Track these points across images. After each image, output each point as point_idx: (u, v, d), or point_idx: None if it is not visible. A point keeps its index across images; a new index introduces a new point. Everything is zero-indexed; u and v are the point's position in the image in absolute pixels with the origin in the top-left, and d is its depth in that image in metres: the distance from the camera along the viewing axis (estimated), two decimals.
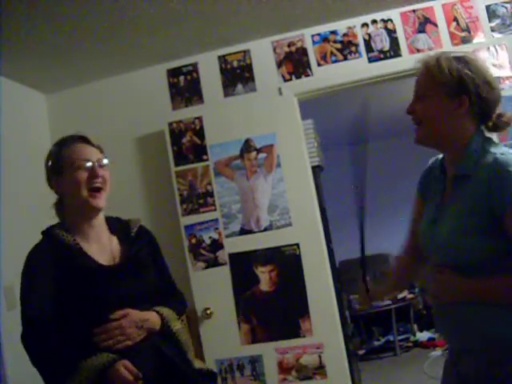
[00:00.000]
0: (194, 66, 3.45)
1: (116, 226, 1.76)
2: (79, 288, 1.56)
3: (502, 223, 1.27)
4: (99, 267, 1.62)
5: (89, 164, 1.65)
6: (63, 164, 1.66)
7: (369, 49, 3.29)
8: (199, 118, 3.29)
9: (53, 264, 1.57)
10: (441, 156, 1.55)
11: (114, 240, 1.72)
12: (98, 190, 1.65)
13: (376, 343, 5.97)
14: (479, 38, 3.21)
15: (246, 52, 3.40)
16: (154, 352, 1.58)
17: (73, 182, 1.63)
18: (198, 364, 1.77)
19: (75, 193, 1.64)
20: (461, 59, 1.42)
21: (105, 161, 1.70)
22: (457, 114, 1.39)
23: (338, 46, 3.32)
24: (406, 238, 1.68)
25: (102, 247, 1.67)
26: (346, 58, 3.31)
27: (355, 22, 3.32)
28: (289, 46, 3.36)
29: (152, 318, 1.62)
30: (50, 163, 1.71)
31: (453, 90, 1.38)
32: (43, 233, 1.70)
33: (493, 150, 1.37)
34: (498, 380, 1.28)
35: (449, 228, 1.37)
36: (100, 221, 1.72)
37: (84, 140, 1.72)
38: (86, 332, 1.53)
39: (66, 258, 1.59)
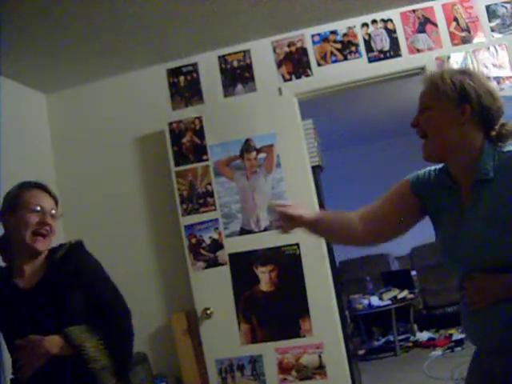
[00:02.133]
0: (194, 66, 3.45)
1: (52, 251, 1.82)
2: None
3: None
4: (13, 291, 1.71)
5: (41, 210, 1.76)
6: (19, 203, 1.76)
7: (369, 49, 3.29)
8: (199, 118, 3.29)
9: None
10: (438, 168, 1.56)
11: (43, 266, 1.79)
12: (43, 235, 1.76)
13: (376, 343, 5.97)
14: (479, 38, 3.21)
15: (245, 52, 3.40)
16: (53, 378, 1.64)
17: (22, 222, 1.73)
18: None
19: (21, 233, 1.73)
20: (463, 71, 1.46)
21: (55, 212, 1.81)
22: (460, 123, 1.41)
23: (338, 46, 3.32)
24: (366, 208, 1.66)
25: (31, 275, 1.75)
26: (346, 58, 3.31)
27: (355, 22, 3.32)
28: (289, 46, 3.36)
29: (48, 341, 1.64)
30: (5, 201, 1.80)
31: (455, 100, 1.41)
32: None
33: (507, 149, 1.40)
34: None
35: (481, 232, 1.37)
36: (39, 259, 1.80)
37: (43, 188, 1.83)
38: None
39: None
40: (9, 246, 1.78)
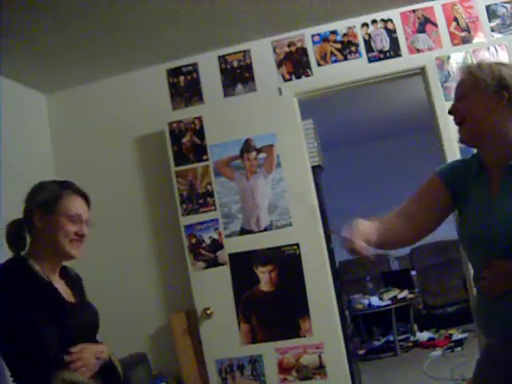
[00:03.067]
0: (194, 66, 3.45)
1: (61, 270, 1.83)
2: (55, 320, 1.61)
3: None
4: (67, 303, 1.71)
5: (79, 220, 1.74)
6: (58, 208, 1.71)
7: (369, 49, 3.29)
8: (199, 118, 3.29)
9: (34, 296, 1.62)
10: (464, 159, 1.61)
11: (62, 281, 1.79)
12: (80, 241, 1.75)
13: (376, 343, 5.97)
14: (479, 38, 3.21)
15: (245, 52, 3.40)
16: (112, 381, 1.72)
17: (61, 229, 1.70)
18: None
19: (58, 238, 1.70)
20: (499, 62, 1.54)
21: (89, 221, 1.81)
22: (497, 110, 1.45)
23: (338, 46, 3.32)
24: (401, 205, 1.65)
25: (60, 286, 1.75)
26: (346, 58, 3.31)
27: (355, 22, 3.32)
28: (289, 46, 3.36)
29: (105, 349, 1.71)
30: (42, 197, 1.74)
31: (493, 87, 1.45)
32: (14, 260, 1.71)
33: None
34: None
35: (508, 218, 1.38)
36: (60, 265, 1.81)
37: (83, 196, 1.81)
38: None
39: (41, 292, 1.64)
40: (34, 245, 1.73)
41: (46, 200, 1.72)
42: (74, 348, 1.60)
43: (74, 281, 1.84)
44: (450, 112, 1.55)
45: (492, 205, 1.45)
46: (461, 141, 1.54)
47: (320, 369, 3.03)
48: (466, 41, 3.22)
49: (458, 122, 1.52)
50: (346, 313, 4.78)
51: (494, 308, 1.42)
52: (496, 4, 3.22)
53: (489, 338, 1.49)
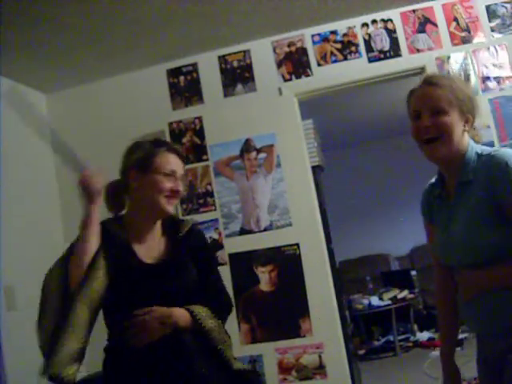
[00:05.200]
0: (194, 66, 3.45)
1: (169, 226, 1.80)
2: (119, 283, 1.61)
3: (507, 214, 1.38)
4: (139, 265, 1.67)
5: (173, 175, 1.73)
6: (154, 166, 1.71)
7: (369, 49, 3.29)
8: (199, 118, 3.29)
9: (103, 257, 1.62)
10: (430, 183, 1.66)
11: (163, 240, 1.78)
12: (175, 197, 1.74)
13: (376, 343, 5.97)
14: (479, 38, 3.21)
15: (246, 52, 3.40)
16: (178, 349, 1.60)
17: (155, 186, 1.70)
18: (237, 365, 1.74)
19: (153, 195, 1.70)
20: (460, 80, 1.58)
21: (184, 175, 1.81)
22: (465, 131, 1.51)
23: (338, 46, 3.32)
24: (435, 269, 1.73)
25: (150, 247, 1.72)
26: (345, 58, 3.31)
27: (355, 22, 3.32)
28: (289, 46, 3.36)
29: (177, 313, 1.63)
30: (138, 156, 1.74)
31: (465, 110, 1.50)
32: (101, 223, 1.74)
33: (486, 152, 1.48)
34: None
35: (461, 229, 1.46)
36: (158, 223, 1.79)
37: (176, 152, 1.78)
38: (117, 326, 1.61)
39: (114, 254, 1.64)
40: (121, 197, 1.74)
41: (141, 159, 1.72)
42: (138, 311, 1.57)
43: (186, 239, 1.78)
44: (426, 126, 1.49)
45: (448, 220, 1.53)
46: (433, 158, 1.52)
47: (320, 369, 3.03)
48: (465, 41, 3.22)
49: (431, 139, 1.49)
50: (346, 313, 4.77)
51: (469, 309, 1.51)
52: (496, 4, 3.22)
53: (471, 331, 1.62)
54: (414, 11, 3.27)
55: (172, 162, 1.74)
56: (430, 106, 1.49)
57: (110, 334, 1.67)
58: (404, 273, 6.52)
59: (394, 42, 3.27)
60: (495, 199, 1.38)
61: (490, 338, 1.48)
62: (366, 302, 5.81)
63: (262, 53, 3.38)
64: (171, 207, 1.73)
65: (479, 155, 1.48)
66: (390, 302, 5.73)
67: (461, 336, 5.37)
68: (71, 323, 1.50)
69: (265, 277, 3.12)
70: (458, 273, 1.52)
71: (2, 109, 3.01)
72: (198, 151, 3.27)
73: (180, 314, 1.63)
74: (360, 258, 7.16)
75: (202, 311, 1.67)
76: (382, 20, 3.30)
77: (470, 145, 1.51)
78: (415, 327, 6.03)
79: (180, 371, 1.57)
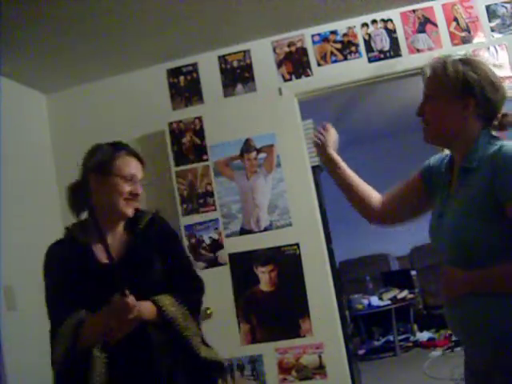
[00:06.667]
0: (194, 66, 3.45)
1: (129, 221, 1.82)
2: (79, 287, 1.65)
3: (505, 210, 1.31)
4: (96, 266, 1.69)
5: (133, 179, 1.76)
6: (113, 169, 1.74)
7: (369, 49, 3.29)
8: (199, 118, 3.29)
9: (64, 264, 1.68)
10: (445, 154, 1.61)
11: (125, 237, 1.80)
12: (134, 200, 1.77)
13: (376, 343, 5.97)
14: (479, 38, 3.21)
15: (246, 52, 3.40)
16: (144, 342, 1.63)
17: (115, 190, 1.73)
18: (206, 352, 1.77)
19: (113, 199, 1.73)
20: (466, 61, 1.45)
21: (143, 180, 1.82)
22: (463, 116, 1.43)
23: (338, 46, 3.32)
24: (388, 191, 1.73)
25: (111, 246, 1.72)
26: (345, 58, 3.31)
27: (355, 22, 3.32)
28: (289, 46, 3.36)
29: (144, 305, 1.64)
30: (98, 159, 1.76)
31: (458, 92, 1.42)
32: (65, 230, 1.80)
33: (498, 142, 1.41)
34: (506, 370, 1.29)
35: (454, 217, 1.41)
36: (119, 226, 1.81)
37: (135, 155, 1.81)
38: None
39: (74, 258, 1.70)
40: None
41: (101, 162, 1.74)
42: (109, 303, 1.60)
43: (146, 231, 1.79)
44: (417, 113, 1.51)
45: (444, 205, 1.48)
46: (425, 140, 1.52)
47: (320, 369, 3.03)
48: (465, 41, 3.22)
49: (425, 123, 1.50)
50: (346, 313, 4.78)
51: (452, 314, 1.45)
52: (496, 4, 3.22)
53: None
54: (414, 11, 3.27)
55: (131, 166, 1.76)
56: (422, 93, 1.51)
57: None
58: (404, 273, 6.52)
59: (394, 42, 3.27)
60: (495, 192, 1.32)
61: (475, 349, 1.40)
62: (365, 301, 5.81)
63: (262, 53, 3.38)
64: (130, 210, 1.76)
65: (492, 144, 1.40)
66: (389, 302, 5.74)
67: None
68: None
69: (265, 277, 3.12)
70: (445, 268, 1.45)
71: (1, 109, 3.01)
72: (198, 151, 3.27)
73: (145, 306, 1.65)
74: (360, 258, 7.16)
75: (165, 300, 1.69)
76: (382, 20, 3.30)
77: (483, 133, 1.44)
78: (415, 327, 6.03)
79: (141, 363, 1.61)
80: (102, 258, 1.70)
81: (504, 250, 1.32)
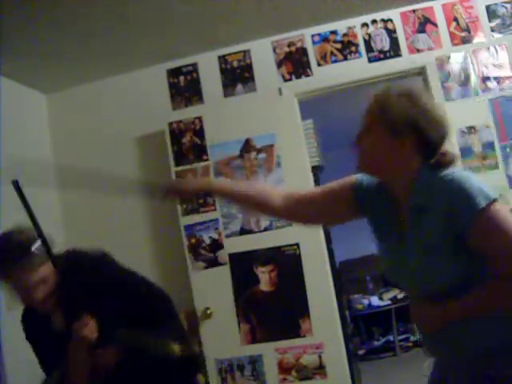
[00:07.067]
0: (194, 66, 3.45)
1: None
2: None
3: (467, 243, 1.28)
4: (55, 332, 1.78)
5: (26, 290, 1.74)
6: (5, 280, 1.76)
7: (369, 49, 3.30)
8: (199, 118, 3.29)
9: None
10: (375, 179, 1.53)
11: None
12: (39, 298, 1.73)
13: (376, 343, 5.97)
14: (479, 38, 3.21)
15: (246, 52, 3.40)
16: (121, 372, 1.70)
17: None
18: (180, 350, 1.75)
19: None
20: (410, 96, 1.38)
21: (43, 274, 1.76)
22: (401, 151, 1.37)
23: (338, 46, 3.32)
24: (300, 190, 1.68)
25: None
26: (346, 58, 3.31)
27: (355, 22, 3.32)
28: (289, 46, 3.36)
29: (106, 353, 1.69)
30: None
31: (397, 131, 1.36)
32: None
33: (440, 174, 1.35)
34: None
35: (416, 258, 1.36)
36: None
37: (22, 265, 1.75)
38: None
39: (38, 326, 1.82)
40: None
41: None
42: None
43: (68, 277, 1.75)
44: (355, 142, 1.47)
45: (400, 244, 1.41)
46: (359, 167, 1.47)
47: (320, 369, 3.03)
48: (466, 41, 3.22)
49: (361, 151, 1.45)
50: (346, 313, 4.78)
51: (432, 341, 1.44)
52: (496, 4, 3.22)
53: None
54: (414, 11, 3.27)
55: (20, 279, 1.71)
56: (363, 121, 1.46)
57: None
58: None
59: (394, 42, 3.28)
60: (452, 226, 1.28)
61: (451, 368, 1.38)
62: (366, 301, 5.81)
63: (262, 53, 3.38)
64: (42, 305, 1.75)
65: (437, 177, 1.34)
66: (389, 302, 5.73)
67: None
68: None
69: (265, 277, 3.12)
70: (415, 303, 1.42)
71: (1, 109, 3.01)
72: (198, 151, 3.27)
73: (107, 354, 1.69)
74: (360, 257, 7.15)
75: (122, 334, 1.71)
76: (382, 20, 3.30)
77: (424, 167, 1.37)
78: (415, 327, 6.02)
79: None
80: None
81: (471, 278, 1.30)
